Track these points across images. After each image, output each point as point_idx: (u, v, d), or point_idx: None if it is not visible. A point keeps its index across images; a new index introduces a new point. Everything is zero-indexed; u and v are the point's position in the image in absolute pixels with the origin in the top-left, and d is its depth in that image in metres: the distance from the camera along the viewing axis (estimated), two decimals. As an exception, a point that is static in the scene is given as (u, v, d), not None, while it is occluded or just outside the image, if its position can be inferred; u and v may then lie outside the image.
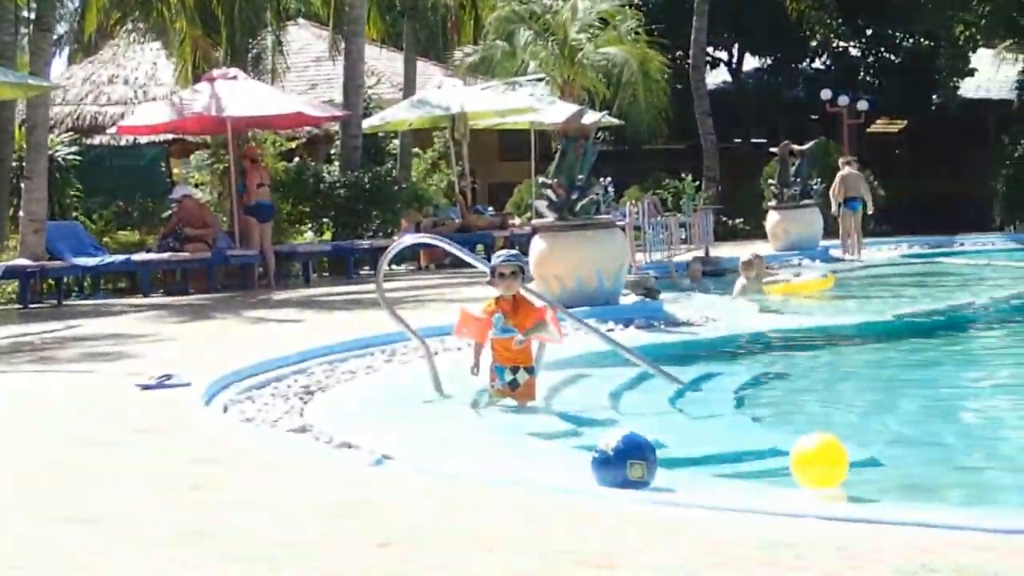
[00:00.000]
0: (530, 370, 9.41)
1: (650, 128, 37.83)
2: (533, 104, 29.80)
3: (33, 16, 25.44)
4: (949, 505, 6.24)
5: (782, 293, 19.63)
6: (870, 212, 28.53)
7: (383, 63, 38.74)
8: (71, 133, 30.12)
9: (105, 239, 25.85)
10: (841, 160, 28.60)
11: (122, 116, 31.34)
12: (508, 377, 9.30)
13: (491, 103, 30.07)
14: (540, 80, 35.03)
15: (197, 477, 6.56)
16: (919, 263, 27.66)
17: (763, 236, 28.93)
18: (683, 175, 38.01)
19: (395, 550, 4.82)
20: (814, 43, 45.57)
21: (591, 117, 16.58)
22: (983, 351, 13.86)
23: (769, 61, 46.24)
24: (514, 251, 9.95)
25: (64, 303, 22.17)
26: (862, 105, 38.22)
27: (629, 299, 15.59)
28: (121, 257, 23.69)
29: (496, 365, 9.33)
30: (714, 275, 22.07)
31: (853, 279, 23.76)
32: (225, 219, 25.67)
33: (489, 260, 9.80)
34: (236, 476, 6.52)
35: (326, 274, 27.52)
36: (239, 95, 24.14)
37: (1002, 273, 23.66)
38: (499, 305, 9.33)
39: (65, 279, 23.36)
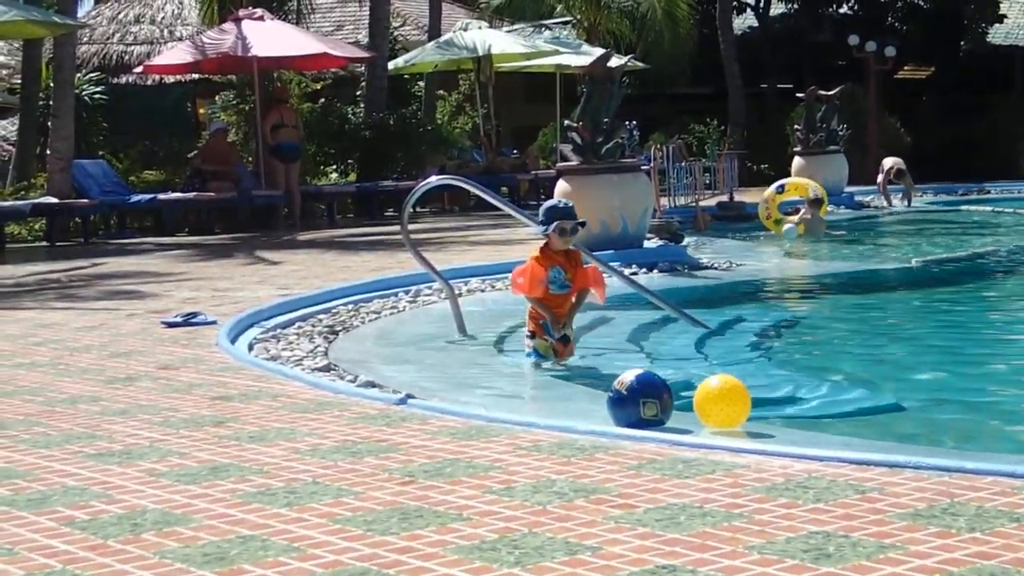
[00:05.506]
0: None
1: (675, 73, 37.63)
2: (559, 47, 29.72)
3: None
4: (972, 449, 6.23)
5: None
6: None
7: (409, 5, 38.62)
8: (97, 72, 30.17)
9: (131, 178, 25.92)
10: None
11: (148, 56, 31.37)
12: (559, 333, 8.71)
13: (517, 46, 30.01)
14: (566, 23, 34.95)
15: (220, 414, 6.60)
16: (944, 210, 27.56)
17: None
18: (708, 120, 37.91)
19: (418, 488, 4.85)
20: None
21: (617, 60, 16.50)
22: (1008, 298, 13.82)
23: (796, 6, 45.84)
24: (568, 201, 9.38)
25: (90, 241, 22.26)
26: (889, 51, 37.96)
27: (653, 243, 15.61)
28: (147, 196, 23.75)
29: (543, 321, 8.73)
30: (738, 220, 22.03)
31: (879, 226, 23.70)
32: (251, 159, 25.71)
33: (513, 202, 9.47)
34: (259, 413, 6.55)
35: (351, 215, 27.55)
36: (265, 35, 24.13)
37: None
38: (553, 258, 8.81)
39: (91, 217, 23.44)
